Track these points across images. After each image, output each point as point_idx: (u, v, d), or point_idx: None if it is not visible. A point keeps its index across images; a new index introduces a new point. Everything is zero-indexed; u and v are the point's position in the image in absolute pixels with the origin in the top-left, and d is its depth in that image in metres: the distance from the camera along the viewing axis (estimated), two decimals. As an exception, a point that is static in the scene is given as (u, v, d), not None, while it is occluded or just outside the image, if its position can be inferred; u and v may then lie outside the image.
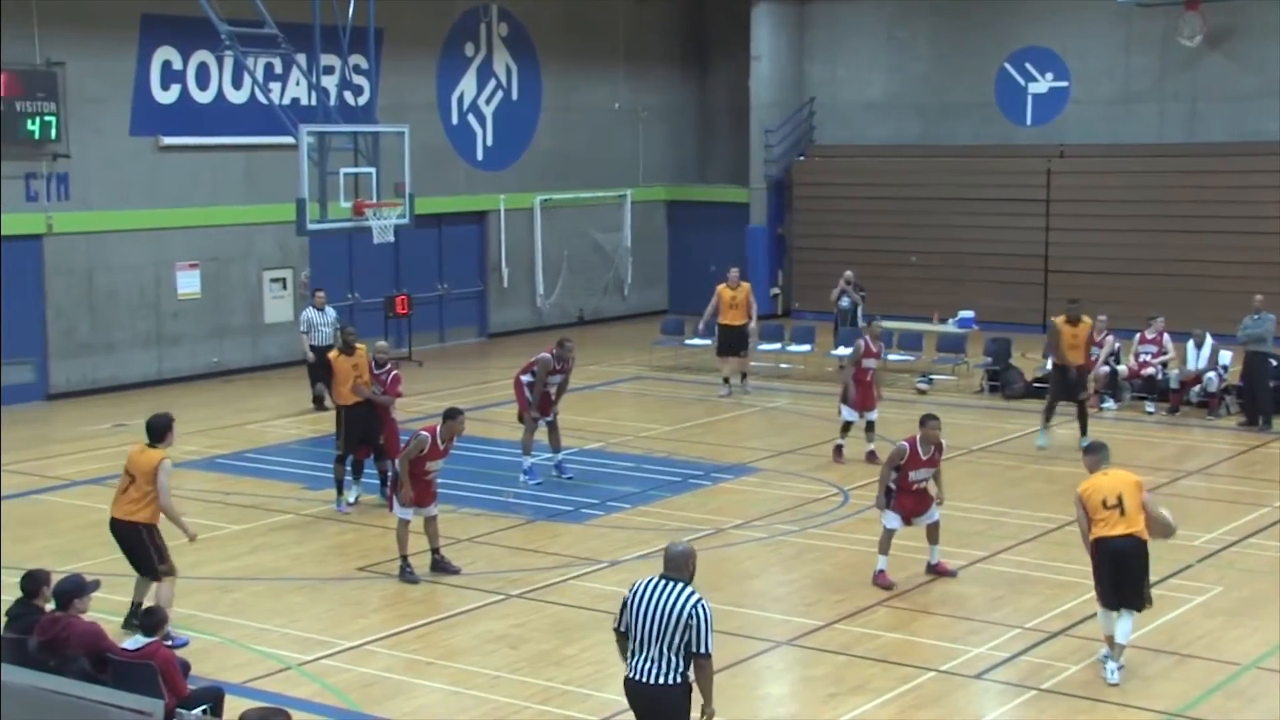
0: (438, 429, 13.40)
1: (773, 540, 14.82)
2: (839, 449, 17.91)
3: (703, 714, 8.22)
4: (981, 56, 29.92)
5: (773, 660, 11.76)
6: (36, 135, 21.33)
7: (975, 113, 30.07)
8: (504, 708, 10.61)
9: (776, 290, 31.24)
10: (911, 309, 26.27)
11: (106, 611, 11.15)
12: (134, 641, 9.50)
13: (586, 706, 10.63)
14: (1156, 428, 20.30)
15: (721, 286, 22.66)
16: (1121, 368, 21.41)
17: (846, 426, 17.97)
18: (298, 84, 24.08)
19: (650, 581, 8.28)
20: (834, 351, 23.63)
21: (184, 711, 8.96)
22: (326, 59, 20.69)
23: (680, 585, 8.21)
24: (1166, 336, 21.41)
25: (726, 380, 22.36)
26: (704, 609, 8.13)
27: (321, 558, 14.41)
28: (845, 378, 18.14)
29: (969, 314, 25.00)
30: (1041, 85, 29.48)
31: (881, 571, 13.14)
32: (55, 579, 10.10)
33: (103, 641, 9.57)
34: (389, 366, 16.10)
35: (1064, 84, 29.24)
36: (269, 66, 23.52)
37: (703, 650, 8.10)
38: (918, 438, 13.10)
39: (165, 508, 11.63)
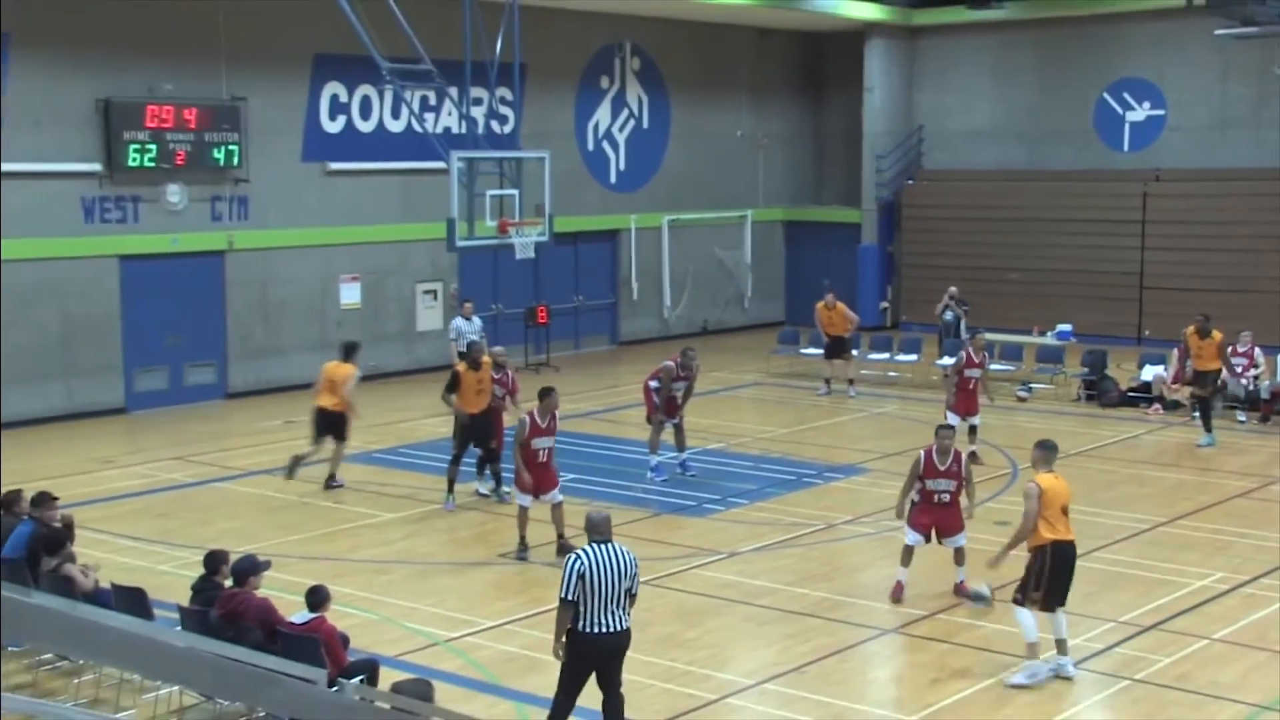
0: (535, 409, 13.51)
1: (880, 535, 14.65)
2: None
3: None
4: (1081, 87, 29.33)
5: (879, 647, 11.64)
6: (221, 163, 21.92)
7: (1075, 140, 29.47)
8: (630, 685, 10.56)
9: (886, 304, 30.93)
10: (1013, 322, 25.83)
11: (278, 589, 11.39)
12: (300, 616, 9.68)
13: (707, 685, 10.61)
14: (1248, 436, 19.73)
15: (820, 306, 23.16)
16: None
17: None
18: (449, 114, 24.40)
19: (594, 550, 8.94)
20: (939, 361, 23.35)
21: (344, 680, 9.12)
22: (476, 91, 20.97)
23: (616, 545, 9.03)
24: (1258, 349, 20.88)
25: (827, 381, 22.97)
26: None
27: (467, 544, 14.58)
28: (949, 385, 17.95)
29: (1067, 327, 24.56)
30: (1139, 114, 28.80)
31: (899, 583, 12.40)
32: (233, 558, 10.38)
33: (273, 615, 9.77)
34: (506, 370, 16.23)
35: (1160, 112, 28.54)
36: (424, 99, 23.91)
37: (636, 591, 9.11)
38: (933, 447, 12.30)
39: (350, 400, 16.35)
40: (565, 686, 9.12)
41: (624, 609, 8.91)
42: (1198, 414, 19.34)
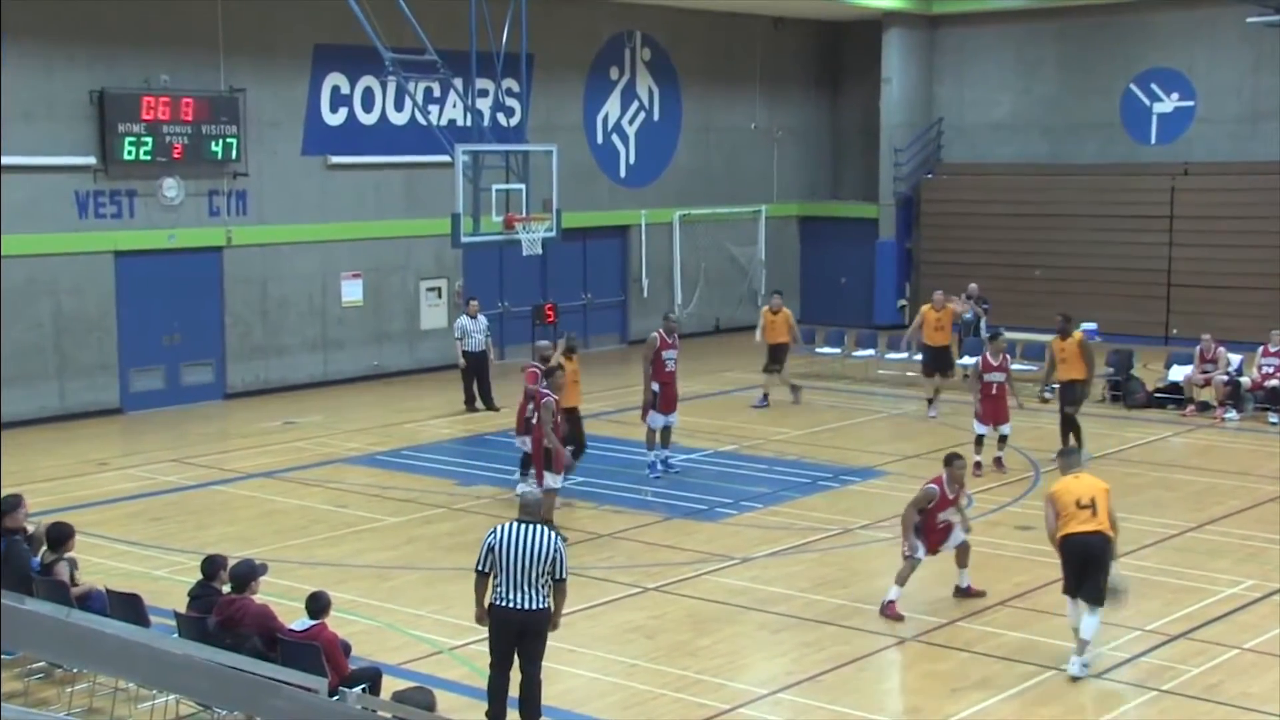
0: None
1: (898, 540, 14.59)
2: (976, 464, 16.99)
3: (550, 621, 9.53)
4: (1107, 77, 29.27)
5: (898, 655, 11.63)
6: (219, 156, 21.95)
7: (1100, 132, 29.40)
8: (641, 694, 10.64)
9: (904, 302, 30.88)
10: (1036, 321, 25.71)
11: (277, 594, 11.42)
12: (301, 623, 9.70)
13: (719, 695, 10.61)
14: (1279, 437, 19.65)
15: (926, 308, 21.88)
16: (1245, 379, 20.81)
17: (979, 440, 17.35)
18: (454, 106, 24.42)
19: (510, 526, 9.41)
20: (958, 361, 23.28)
21: (345, 689, 9.13)
22: (481, 83, 20.98)
23: (539, 526, 9.43)
24: (1290, 349, 20.77)
25: (930, 401, 21.07)
26: (562, 544, 9.50)
27: (472, 548, 14.39)
28: (973, 391, 17.57)
29: (1092, 326, 24.48)
30: (1167, 105, 28.73)
31: (891, 602, 12.14)
32: (231, 563, 10.39)
33: (273, 622, 9.79)
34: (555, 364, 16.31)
35: (1189, 103, 28.46)
36: (428, 90, 23.92)
37: (562, 576, 9.42)
38: (944, 477, 12.17)
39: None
40: (491, 658, 9.61)
41: (538, 589, 9.31)
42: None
